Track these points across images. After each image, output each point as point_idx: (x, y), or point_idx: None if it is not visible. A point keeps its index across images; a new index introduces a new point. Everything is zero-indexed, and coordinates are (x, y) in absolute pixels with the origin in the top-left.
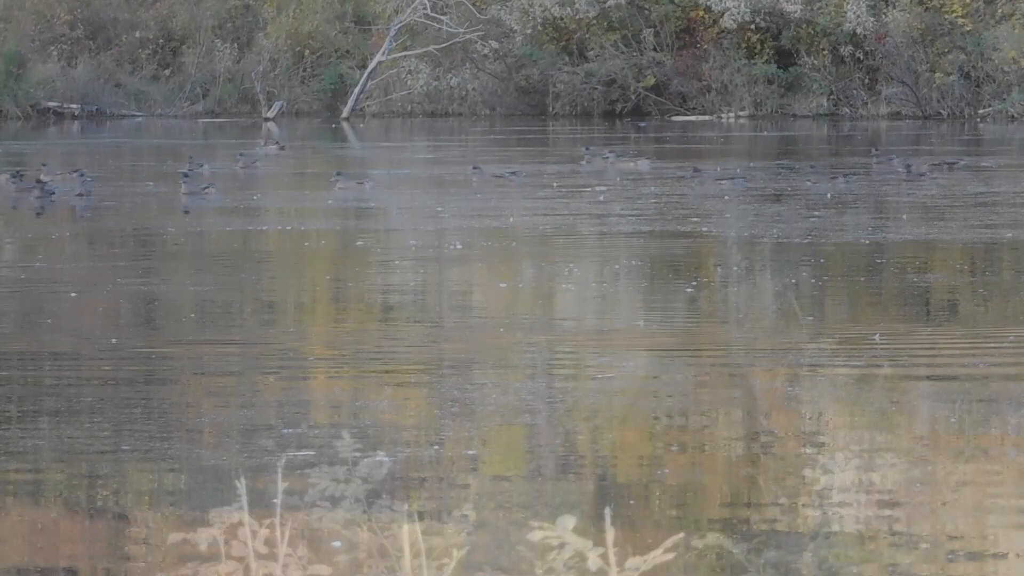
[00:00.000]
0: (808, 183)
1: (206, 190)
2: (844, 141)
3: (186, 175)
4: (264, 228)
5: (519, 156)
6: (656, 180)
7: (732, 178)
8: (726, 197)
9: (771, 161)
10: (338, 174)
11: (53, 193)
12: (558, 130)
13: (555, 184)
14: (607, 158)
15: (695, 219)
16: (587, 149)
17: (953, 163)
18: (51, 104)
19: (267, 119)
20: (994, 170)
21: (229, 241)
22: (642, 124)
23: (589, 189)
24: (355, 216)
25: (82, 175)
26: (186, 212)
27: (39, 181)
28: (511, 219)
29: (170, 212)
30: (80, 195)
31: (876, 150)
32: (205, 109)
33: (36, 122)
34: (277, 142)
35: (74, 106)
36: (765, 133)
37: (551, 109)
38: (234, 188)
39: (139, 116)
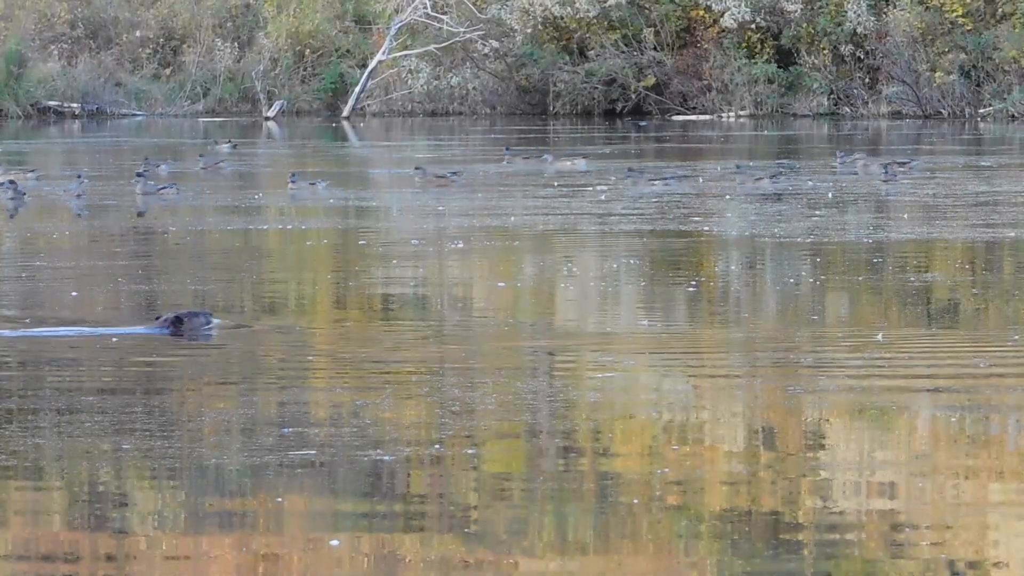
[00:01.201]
0: (735, 183)
1: (163, 191)
2: (825, 140)
3: (140, 175)
4: (212, 228)
5: (519, 152)
6: (574, 180)
7: (664, 179)
8: (651, 197)
9: (730, 160)
10: (293, 175)
11: (24, 193)
12: (558, 129)
13: (485, 184)
14: (545, 159)
15: (592, 216)
16: (507, 150)
17: (905, 163)
18: (52, 103)
19: (267, 118)
20: (991, 169)
21: (175, 240)
22: (642, 123)
23: (520, 188)
24: (300, 215)
25: (79, 176)
26: (140, 213)
27: (11, 182)
28: (449, 217)
29: (159, 212)
30: (78, 196)
31: (841, 150)
32: (206, 108)
33: (37, 121)
34: (229, 140)
35: (75, 105)
36: (766, 132)
37: (552, 108)
38: (194, 188)
39: (139, 115)
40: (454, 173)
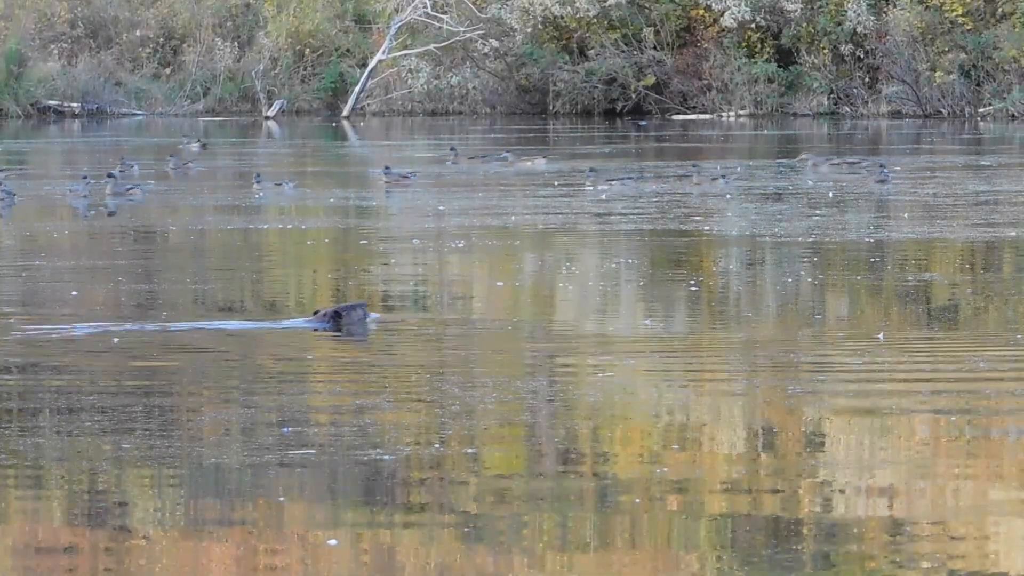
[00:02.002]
0: (693, 183)
1: (130, 191)
2: (809, 141)
3: (111, 175)
4: (167, 228)
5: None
6: (574, 180)
7: (622, 179)
8: (603, 197)
9: (688, 161)
10: (258, 176)
11: (14, 194)
12: (558, 129)
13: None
14: (505, 157)
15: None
16: (452, 150)
17: (855, 162)
18: (52, 103)
19: (267, 118)
20: (991, 168)
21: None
22: (642, 123)
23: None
24: (248, 215)
25: (84, 177)
26: (110, 214)
27: None
28: (401, 217)
29: (131, 212)
30: (84, 196)
31: (804, 153)
32: (206, 108)
33: (37, 121)
34: (199, 140)
35: (75, 104)
36: (766, 132)
37: (552, 108)
38: (161, 189)
39: (139, 115)
40: (412, 173)
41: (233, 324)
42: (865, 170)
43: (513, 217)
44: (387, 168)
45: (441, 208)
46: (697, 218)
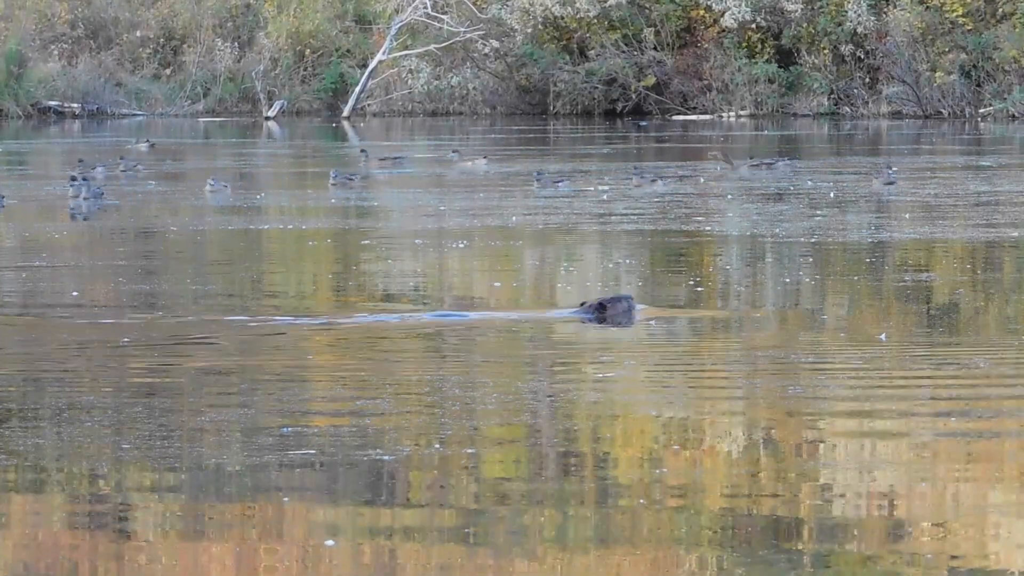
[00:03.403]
0: (633, 185)
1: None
2: (783, 140)
3: (74, 178)
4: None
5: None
6: (465, 181)
7: (560, 181)
8: (604, 198)
9: (637, 162)
10: (212, 178)
11: (3, 196)
12: (559, 129)
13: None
14: (452, 157)
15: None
16: (363, 152)
17: (771, 163)
18: (52, 103)
19: (268, 118)
20: (991, 169)
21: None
22: (643, 123)
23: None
24: (203, 214)
25: (91, 178)
26: (74, 217)
27: None
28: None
29: (173, 214)
30: (87, 198)
31: (734, 154)
32: (206, 108)
33: (37, 121)
34: (147, 140)
35: (75, 105)
36: (766, 132)
37: (552, 108)
38: (109, 191)
39: (140, 115)
40: (355, 175)
41: (499, 315)
42: (778, 168)
43: (441, 220)
44: (335, 170)
45: (373, 205)
46: (635, 216)
